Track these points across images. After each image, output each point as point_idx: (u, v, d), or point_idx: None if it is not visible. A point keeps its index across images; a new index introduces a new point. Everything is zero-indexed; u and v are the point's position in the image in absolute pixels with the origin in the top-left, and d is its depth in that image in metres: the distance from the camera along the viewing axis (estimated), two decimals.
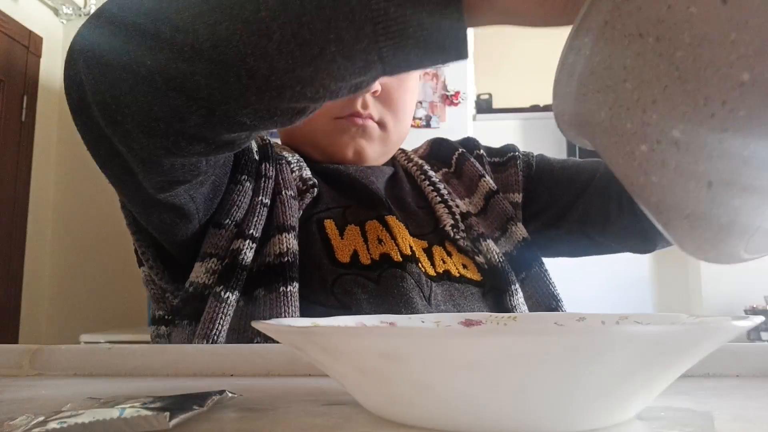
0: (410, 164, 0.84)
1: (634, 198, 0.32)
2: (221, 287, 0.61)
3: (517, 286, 0.71)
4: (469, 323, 0.45)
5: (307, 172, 0.74)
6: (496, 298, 0.70)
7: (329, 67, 0.37)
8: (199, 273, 0.64)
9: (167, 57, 0.39)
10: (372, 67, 0.37)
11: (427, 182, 0.80)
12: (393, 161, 0.84)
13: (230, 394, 0.33)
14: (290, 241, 0.65)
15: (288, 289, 0.61)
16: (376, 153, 0.79)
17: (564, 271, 1.61)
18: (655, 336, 0.24)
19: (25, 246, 2.90)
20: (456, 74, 2.67)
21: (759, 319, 0.28)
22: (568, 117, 0.33)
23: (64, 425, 0.26)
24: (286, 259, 0.63)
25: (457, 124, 2.66)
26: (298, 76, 0.37)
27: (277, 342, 0.35)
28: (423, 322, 0.45)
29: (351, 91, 0.40)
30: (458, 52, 0.36)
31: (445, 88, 2.63)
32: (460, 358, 0.25)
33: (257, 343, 0.59)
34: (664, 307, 3.18)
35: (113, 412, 0.27)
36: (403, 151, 0.87)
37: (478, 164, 0.83)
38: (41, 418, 0.27)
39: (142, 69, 0.41)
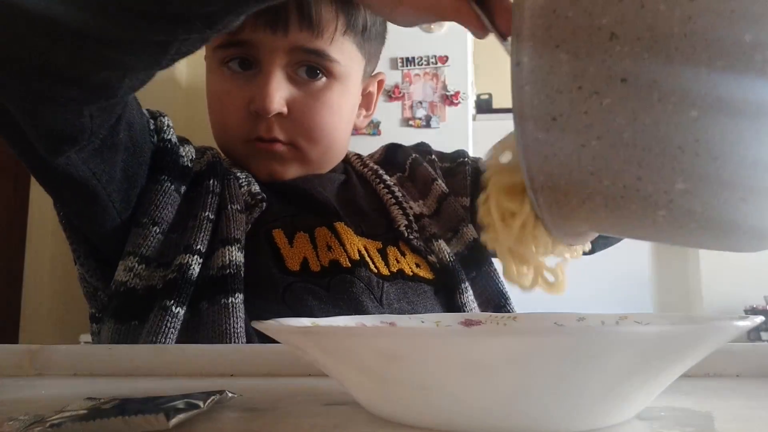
0: (365, 169, 0.84)
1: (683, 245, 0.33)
2: (172, 301, 0.61)
3: (467, 284, 0.73)
4: (469, 323, 0.45)
5: (255, 187, 0.74)
6: (447, 296, 0.73)
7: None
8: (119, 271, 0.65)
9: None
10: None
11: (382, 185, 0.81)
12: (345, 167, 0.85)
13: (230, 394, 0.33)
14: (233, 254, 0.65)
15: (230, 301, 0.62)
16: (295, 173, 0.77)
17: None
18: (655, 336, 0.24)
19: (25, 246, 2.90)
20: (456, 74, 2.65)
21: (759, 319, 0.28)
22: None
23: (64, 425, 0.26)
24: (228, 271, 0.64)
25: (457, 124, 2.64)
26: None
27: (277, 342, 0.35)
28: (423, 322, 0.45)
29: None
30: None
31: (445, 88, 2.62)
32: (460, 358, 0.25)
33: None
34: (664, 307, 3.17)
35: (113, 412, 0.27)
36: (358, 156, 0.88)
37: (430, 168, 0.85)
38: (41, 418, 0.27)
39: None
